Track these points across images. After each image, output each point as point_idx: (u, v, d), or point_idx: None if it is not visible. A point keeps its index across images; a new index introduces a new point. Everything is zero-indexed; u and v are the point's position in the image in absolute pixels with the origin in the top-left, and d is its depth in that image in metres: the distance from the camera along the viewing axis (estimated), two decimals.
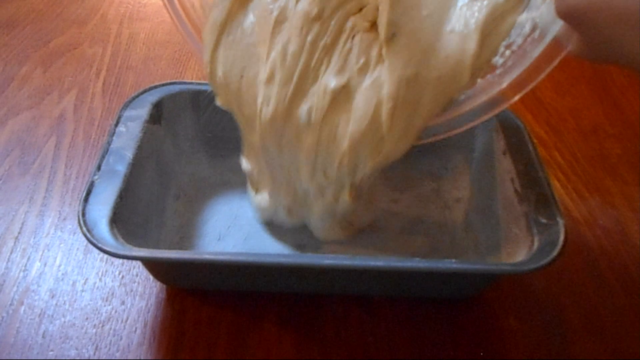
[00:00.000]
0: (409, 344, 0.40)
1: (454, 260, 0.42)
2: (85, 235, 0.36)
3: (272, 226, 0.47)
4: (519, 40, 0.36)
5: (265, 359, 0.39)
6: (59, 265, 0.44)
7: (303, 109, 0.38)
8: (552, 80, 0.68)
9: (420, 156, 0.52)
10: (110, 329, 0.40)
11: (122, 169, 0.41)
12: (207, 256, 0.38)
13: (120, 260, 0.45)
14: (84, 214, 0.37)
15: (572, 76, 0.69)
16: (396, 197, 0.50)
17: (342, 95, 0.38)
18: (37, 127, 0.57)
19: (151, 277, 0.43)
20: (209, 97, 0.50)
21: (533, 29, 0.36)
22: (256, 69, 0.39)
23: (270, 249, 0.46)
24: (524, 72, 0.36)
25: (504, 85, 0.37)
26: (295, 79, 0.38)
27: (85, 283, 0.43)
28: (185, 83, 0.50)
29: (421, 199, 0.51)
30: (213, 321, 0.41)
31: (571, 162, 0.57)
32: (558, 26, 0.33)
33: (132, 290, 0.43)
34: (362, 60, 0.37)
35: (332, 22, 0.38)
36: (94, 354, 0.39)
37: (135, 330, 0.40)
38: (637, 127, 0.61)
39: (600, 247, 0.48)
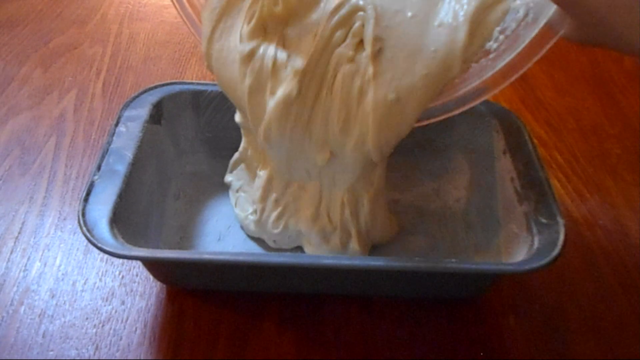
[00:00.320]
0: (409, 344, 0.40)
1: (454, 260, 0.43)
2: (85, 235, 0.36)
3: None
4: (513, 25, 0.37)
5: (265, 359, 0.39)
6: (59, 265, 0.44)
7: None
8: (552, 80, 0.68)
9: (420, 156, 0.52)
10: (110, 329, 0.40)
11: (122, 169, 0.41)
12: (207, 256, 0.38)
13: (120, 260, 0.45)
14: (84, 214, 0.37)
15: (572, 76, 0.69)
16: (396, 197, 0.50)
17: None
18: (37, 127, 0.57)
19: (151, 277, 0.43)
20: (209, 97, 0.50)
21: (526, 14, 0.36)
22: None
23: (270, 249, 0.46)
24: (517, 56, 0.36)
25: (498, 68, 0.37)
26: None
27: (85, 283, 0.43)
28: (185, 83, 0.50)
29: (421, 199, 0.51)
30: (213, 321, 0.41)
31: (571, 162, 0.57)
32: (551, 10, 0.34)
33: (132, 290, 0.43)
34: (343, 116, 0.38)
35: (319, 72, 0.38)
36: (94, 354, 0.39)
37: (135, 330, 0.40)
38: (637, 127, 0.61)
39: (600, 247, 0.48)
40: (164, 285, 0.43)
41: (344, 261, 0.39)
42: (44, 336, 0.39)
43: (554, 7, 0.33)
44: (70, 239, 0.46)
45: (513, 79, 0.37)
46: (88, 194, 0.39)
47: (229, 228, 0.48)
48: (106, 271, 0.44)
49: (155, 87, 0.49)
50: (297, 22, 0.39)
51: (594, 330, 0.42)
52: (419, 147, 0.51)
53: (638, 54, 0.29)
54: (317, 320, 0.41)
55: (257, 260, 0.38)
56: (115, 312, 0.41)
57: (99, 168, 0.41)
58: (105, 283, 0.43)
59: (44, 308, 0.41)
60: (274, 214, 0.44)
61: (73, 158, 0.54)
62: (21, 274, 0.43)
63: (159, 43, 0.72)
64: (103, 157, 0.42)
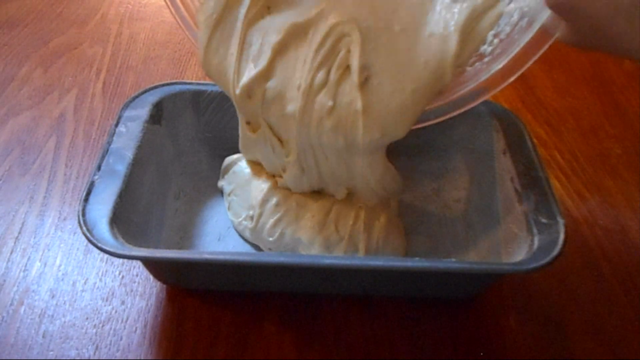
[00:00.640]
0: (409, 344, 0.40)
1: (454, 260, 0.43)
2: (85, 235, 0.36)
3: None
4: (507, 29, 0.37)
5: (265, 359, 0.39)
6: (59, 265, 0.44)
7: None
8: (552, 80, 0.68)
9: (420, 156, 0.52)
10: (110, 329, 0.40)
11: (122, 169, 0.41)
12: (207, 256, 0.38)
13: (120, 260, 0.45)
14: (84, 214, 0.37)
15: (572, 76, 0.69)
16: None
17: None
18: (37, 127, 0.57)
19: (151, 277, 0.43)
20: (209, 97, 0.50)
21: (521, 18, 0.36)
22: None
23: None
24: (512, 60, 0.36)
25: (493, 72, 0.37)
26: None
27: (85, 283, 0.43)
28: (185, 83, 0.50)
29: (421, 199, 0.51)
30: (213, 321, 0.41)
31: (571, 162, 0.57)
32: (546, 15, 0.34)
33: (132, 290, 0.43)
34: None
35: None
36: (94, 354, 0.39)
37: (135, 330, 0.40)
38: (637, 127, 0.61)
39: (600, 247, 0.48)
40: (164, 285, 0.43)
41: (344, 261, 0.39)
42: (44, 336, 0.39)
43: (548, 12, 0.33)
44: (70, 239, 0.46)
45: (508, 82, 0.37)
46: (88, 194, 0.39)
47: (229, 228, 0.48)
48: (106, 271, 0.44)
49: (155, 87, 0.49)
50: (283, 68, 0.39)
51: (594, 330, 0.42)
52: (419, 148, 0.51)
53: (635, 57, 0.29)
54: (317, 320, 0.41)
55: (257, 260, 0.38)
56: (115, 312, 0.41)
57: (99, 168, 0.41)
58: (105, 283, 0.43)
59: (44, 308, 0.41)
60: (271, 221, 0.44)
61: (73, 158, 0.54)
62: (21, 274, 0.43)
63: (159, 43, 0.72)
64: (103, 157, 0.42)
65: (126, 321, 0.41)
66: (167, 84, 0.50)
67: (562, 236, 0.37)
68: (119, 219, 0.38)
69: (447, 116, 0.40)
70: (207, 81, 0.51)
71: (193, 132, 0.51)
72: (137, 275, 0.44)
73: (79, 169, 0.53)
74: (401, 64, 0.37)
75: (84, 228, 0.37)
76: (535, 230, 0.38)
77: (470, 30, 0.36)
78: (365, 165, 0.42)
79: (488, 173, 0.47)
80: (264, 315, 0.42)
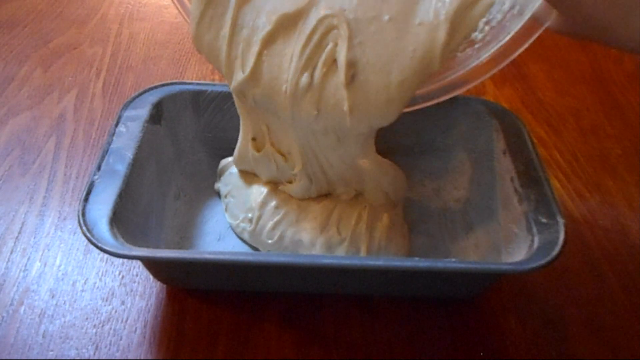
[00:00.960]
0: (409, 344, 0.40)
1: (454, 260, 0.43)
2: (85, 235, 0.36)
3: None
4: (499, 17, 0.37)
5: (265, 359, 0.39)
6: (59, 265, 0.44)
7: None
8: (552, 80, 0.68)
9: (420, 156, 0.52)
10: (110, 329, 0.40)
11: (122, 169, 0.41)
12: (207, 256, 0.38)
13: (120, 260, 0.45)
14: (84, 214, 0.37)
15: (572, 76, 0.69)
16: None
17: None
18: (37, 127, 0.57)
19: (151, 277, 0.43)
20: (209, 97, 0.50)
21: (512, 6, 0.36)
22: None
23: None
24: (502, 47, 0.37)
25: (482, 58, 0.37)
26: None
27: (85, 283, 0.43)
28: (185, 83, 0.50)
29: (421, 199, 0.51)
30: (213, 321, 0.41)
31: (571, 162, 0.57)
32: (538, 3, 0.34)
33: (132, 290, 0.43)
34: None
35: None
36: (94, 354, 0.39)
37: (135, 330, 0.40)
38: (637, 127, 0.61)
39: (600, 247, 0.48)
40: (164, 285, 0.43)
41: (344, 261, 0.38)
42: (44, 336, 0.39)
43: (540, 0, 0.33)
44: (70, 239, 0.46)
45: (497, 69, 0.37)
46: (88, 193, 0.39)
47: (229, 228, 0.48)
48: (106, 271, 0.44)
49: (155, 87, 0.49)
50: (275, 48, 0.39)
51: (594, 330, 0.42)
52: (419, 147, 0.51)
53: (626, 47, 0.29)
54: (317, 320, 0.41)
55: (257, 260, 0.38)
56: (115, 312, 0.41)
57: (99, 168, 0.41)
58: (105, 283, 0.43)
59: (44, 308, 0.41)
60: (271, 223, 0.44)
61: (73, 158, 0.54)
62: (21, 274, 0.43)
63: (159, 43, 0.72)
64: (103, 157, 0.42)
65: (126, 321, 0.41)
66: (167, 84, 0.50)
67: (562, 236, 0.37)
68: (119, 219, 0.38)
69: (434, 101, 0.40)
70: (207, 81, 0.51)
71: (193, 132, 0.51)
72: (137, 275, 0.44)
73: (79, 169, 0.53)
74: (389, 54, 0.37)
75: (84, 228, 0.37)
76: (535, 230, 0.38)
77: (461, 19, 0.36)
78: (375, 169, 0.42)
79: (488, 173, 0.47)
80: (264, 315, 0.42)
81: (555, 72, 0.69)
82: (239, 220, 0.46)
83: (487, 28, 0.37)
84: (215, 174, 0.51)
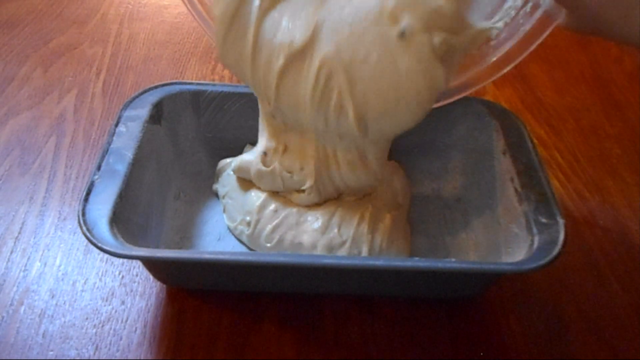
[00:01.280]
0: (409, 344, 0.40)
1: (454, 260, 0.43)
2: (85, 235, 0.36)
3: None
4: (512, 13, 0.38)
5: (265, 359, 0.39)
6: (59, 265, 0.44)
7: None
8: (552, 80, 0.68)
9: (420, 156, 0.52)
10: (110, 329, 0.40)
11: (122, 169, 0.41)
12: (207, 256, 0.38)
13: (120, 260, 0.45)
14: (84, 214, 0.37)
15: (572, 76, 0.69)
16: None
17: None
18: (37, 127, 0.57)
19: (151, 277, 0.43)
20: (209, 97, 0.50)
21: (525, 3, 0.38)
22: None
23: None
24: (516, 44, 0.38)
25: (498, 56, 0.39)
26: None
27: (85, 283, 0.43)
28: (185, 83, 0.50)
29: (421, 199, 0.51)
30: (213, 321, 0.41)
31: (571, 162, 0.57)
32: (548, 0, 0.35)
33: (132, 290, 0.43)
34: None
35: None
36: (94, 354, 0.39)
37: (135, 330, 0.40)
38: (637, 127, 0.61)
39: (600, 247, 0.48)
40: (164, 285, 0.43)
41: (344, 261, 0.39)
42: (44, 336, 0.39)
43: None
44: (70, 239, 0.46)
45: (510, 67, 0.39)
46: (88, 194, 0.39)
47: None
48: (106, 271, 0.44)
49: (155, 87, 0.49)
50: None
51: (594, 330, 0.42)
52: (419, 147, 0.51)
53: (633, 43, 0.30)
54: (317, 320, 0.41)
55: (257, 260, 0.38)
56: (115, 312, 0.41)
57: (99, 168, 0.41)
58: (105, 283, 0.43)
59: (44, 308, 0.41)
60: (269, 227, 0.44)
61: (73, 158, 0.54)
62: (21, 274, 0.43)
63: (159, 43, 0.72)
64: (103, 157, 0.42)
65: (126, 321, 0.41)
66: (167, 84, 0.50)
67: (562, 236, 0.37)
68: (119, 219, 0.38)
69: (452, 99, 0.42)
70: (207, 81, 0.51)
71: (193, 132, 0.51)
72: (137, 275, 0.44)
73: (79, 169, 0.53)
74: (391, 97, 0.37)
75: (84, 228, 0.37)
76: (535, 230, 0.38)
77: (450, 55, 0.37)
78: (388, 173, 0.44)
79: (488, 173, 0.47)
80: (264, 315, 0.42)
81: (555, 72, 0.69)
82: (237, 222, 0.46)
83: (501, 24, 0.38)
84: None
